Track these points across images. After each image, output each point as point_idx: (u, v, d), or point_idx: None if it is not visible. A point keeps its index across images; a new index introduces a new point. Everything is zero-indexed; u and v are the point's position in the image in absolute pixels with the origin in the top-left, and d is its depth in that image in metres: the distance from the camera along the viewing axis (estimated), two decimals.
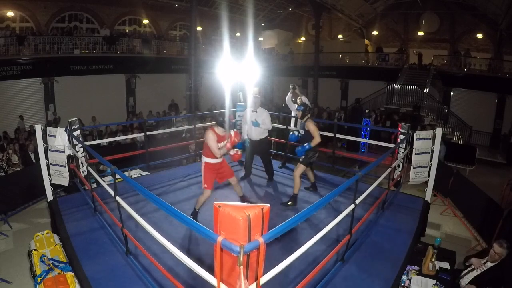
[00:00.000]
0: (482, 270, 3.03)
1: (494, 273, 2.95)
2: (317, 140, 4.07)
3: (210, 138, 3.58)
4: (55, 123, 10.93)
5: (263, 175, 5.35)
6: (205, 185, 3.74)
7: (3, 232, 5.12)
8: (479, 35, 14.56)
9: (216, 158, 3.69)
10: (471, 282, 3.02)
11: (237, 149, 3.79)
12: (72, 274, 2.95)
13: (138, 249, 2.83)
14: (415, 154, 4.49)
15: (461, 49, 14.64)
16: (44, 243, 3.50)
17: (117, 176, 2.85)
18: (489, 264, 3.01)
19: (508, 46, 13.37)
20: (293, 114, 5.56)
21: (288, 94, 5.58)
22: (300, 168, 4.22)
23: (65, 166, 4.22)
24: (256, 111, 4.83)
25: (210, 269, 1.78)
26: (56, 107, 12.01)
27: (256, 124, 4.76)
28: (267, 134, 4.96)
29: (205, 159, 3.72)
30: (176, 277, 2.40)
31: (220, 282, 1.66)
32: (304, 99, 5.39)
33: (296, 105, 5.43)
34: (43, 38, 11.59)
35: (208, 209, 4.11)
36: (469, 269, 3.15)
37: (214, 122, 3.84)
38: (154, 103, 13.76)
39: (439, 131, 4.30)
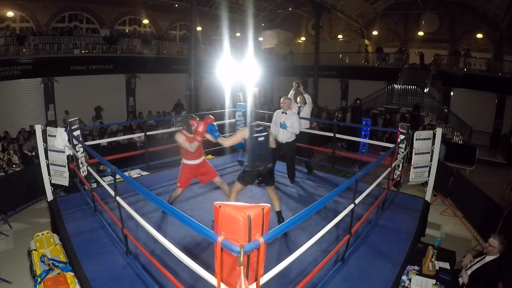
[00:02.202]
0: (479, 265, 3.04)
1: (491, 267, 2.96)
2: (223, 143, 3.61)
3: (181, 140, 3.67)
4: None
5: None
6: (178, 184, 3.90)
7: (3, 232, 5.12)
8: (479, 35, 14.57)
9: (194, 159, 3.80)
10: (469, 276, 3.03)
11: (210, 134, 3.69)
12: (72, 274, 2.95)
13: (138, 249, 2.83)
14: (415, 154, 4.49)
15: (461, 49, 14.66)
16: (44, 243, 3.50)
17: (117, 176, 2.86)
18: (487, 259, 3.03)
19: (508, 46, 13.37)
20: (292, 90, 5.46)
21: (291, 91, 5.53)
22: (235, 185, 3.59)
23: (65, 166, 4.22)
24: (285, 113, 4.74)
25: (210, 269, 1.78)
26: (56, 107, 12.01)
27: (284, 127, 4.68)
28: (294, 138, 4.86)
29: (183, 161, 3.87)
30: (176, 277, 2.40)
31: (220, 282, 1.66)
32: (307, 97, 5.36)
33: (299, 106, 5.41)
34: (43, 38, 11.58)
35: (208, 209, 4.12)
36: (468, 266, 3.15)
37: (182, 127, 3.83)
38: (154, 103, 13.77)
39: (439, 131, 4.31)
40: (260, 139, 3.50)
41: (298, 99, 5.42)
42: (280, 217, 3.67)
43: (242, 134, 3.51)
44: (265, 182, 3.65)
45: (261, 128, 3.57)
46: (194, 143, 3.66)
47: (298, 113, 5.41)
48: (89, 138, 8.39)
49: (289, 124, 4.66)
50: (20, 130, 9.86)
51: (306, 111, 5.45)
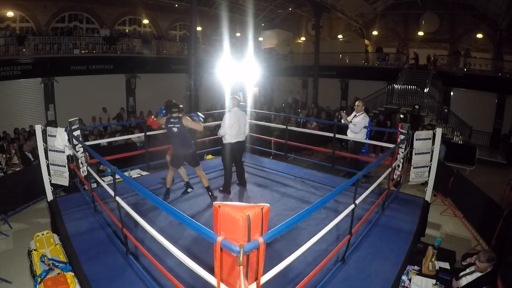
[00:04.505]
0: (472, 279, 3.01)
1: (485, 280, 2.92)
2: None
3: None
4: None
5: (259, 174, 5.35)
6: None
7: (3, 232, 5.12)
8: (479, 35, 14.56)
9: None
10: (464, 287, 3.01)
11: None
12: (72, 274, 2.95)
13: (138, 249, 2.83)
14: (415, 154, 4.50)
15: (461, 49, 14.66)
16: (44, 243, 3.50)
17: (117, 176, 2.85)
18: (478, 274, 2.99)
19: (508, 46, 13.36)
20: (343, 121, 5.40)
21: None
22: (169, 171, 4.41)
23: (65, 166, 4.23)
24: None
25: (210, 269, 1.78)
26: (56, 107, 12.02)
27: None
28: (224, 142, 4.57)
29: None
30: (176, 277, 2.40)
31: (220, 282, 1.66)
32: (358, 121, 5.18)
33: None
34: (43, 38, 11.59)
35: (208, 209, 4.12)
36: (466, 271, 3.14)
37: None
38: (154, 103, 13.76)
39: (439, 131, 4.31)
40: (174, 129, 4.09)
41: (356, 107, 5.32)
42: (208, 190, 4.36)
43: (162, 119, 4.21)
44: (190, 163, 4.35)
45: (177, 120, 4.09)
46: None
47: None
48: (91, 138, 8.37)
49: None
50: (15, 130, 9.85)
51: (360, 122, 5.18)
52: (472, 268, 3.08)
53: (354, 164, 5.49)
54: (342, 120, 5.44)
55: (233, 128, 4.49)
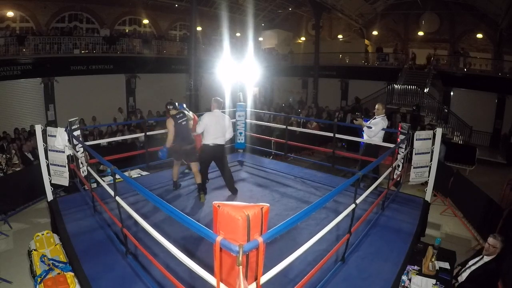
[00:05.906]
0: (477, 266, 3.05)
1: (489, 266, 2.97)
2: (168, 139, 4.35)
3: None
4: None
5: (259, 174, 5.34)
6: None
7: (3, 232, 5.12)
8: (479, 35, 14.56)
9: None
10: (467, 277, 3.03)
11: None
12: (72, 274, 2.95)
13: (138, 249, 2.83)
14: (415, 154, 4.50)
15: (461, 49, 14.67)
16: (44, 243, 3.50)
17: (117, 176, 2.85)
18: (485, 259, 3.03)
19: (508, 46, 13.36)
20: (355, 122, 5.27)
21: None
22: (174, 165, 4.72)
23: (65, 166, 4.22)
24: None
25: (210, 269, 1.78)
26: (56, 107, 12.02)
27: None
28: (203, 142, 4.42)
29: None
30: (176, 277, 2.40)
31: (220, 282, 1.66)
32: (375, 122, 4.95)
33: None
34: (43, 38, 11.59)
35: (208, 208, 4.12)
36: (466, 266, 3.16)
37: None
38: (154, 103, 13.77)
39: (439, 131, 4.31)
40: (183, 122, 4.40)
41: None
42: (199, 188, 4.42)
43: (170, 123, 4.30)
44: (189, 158, 4.54)
45: (181, 114, 4.42)
46: None
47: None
48: (90, 138, 8.37)
49: None
50: (15, 130, 9.84)
51: (376, 125, 4.91)
52: (471, 263, 3.10)
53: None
54: (355, 122, 5.23)
55: (210, 130, 4.33)
